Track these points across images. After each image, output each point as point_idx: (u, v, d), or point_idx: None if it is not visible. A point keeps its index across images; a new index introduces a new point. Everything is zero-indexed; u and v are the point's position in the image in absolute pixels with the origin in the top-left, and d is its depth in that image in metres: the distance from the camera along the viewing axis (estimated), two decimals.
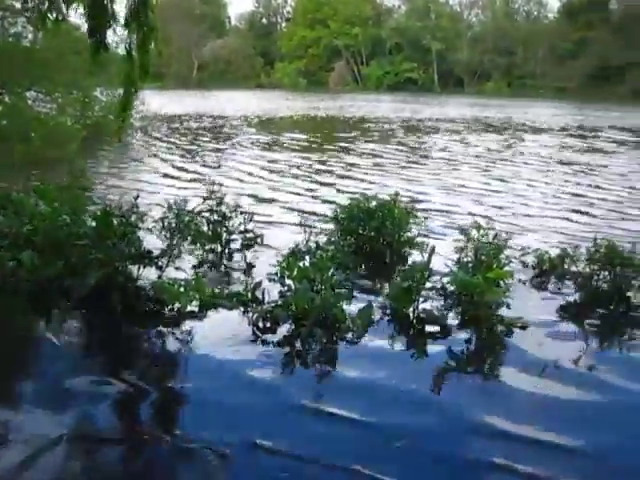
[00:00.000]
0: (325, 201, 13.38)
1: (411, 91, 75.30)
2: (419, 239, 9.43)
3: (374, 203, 9.52)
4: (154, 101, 27.51)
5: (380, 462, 4.54)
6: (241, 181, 15.84)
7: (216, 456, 4.52)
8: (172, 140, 25.42)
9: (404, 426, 5.01)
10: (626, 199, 14.79)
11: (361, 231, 9.37)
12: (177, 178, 16.60)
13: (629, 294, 7.78)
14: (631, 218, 12.64)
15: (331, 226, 9.67)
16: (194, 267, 8.57)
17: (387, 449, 4.72)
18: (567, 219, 12.43)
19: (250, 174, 17.29)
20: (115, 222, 7.58)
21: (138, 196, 8.39)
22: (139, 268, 7.55)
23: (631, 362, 6.42)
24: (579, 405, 5.48)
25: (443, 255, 8.51)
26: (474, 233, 8.55)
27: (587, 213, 13.09)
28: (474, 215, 9.64)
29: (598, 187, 16.34)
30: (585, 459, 4.70)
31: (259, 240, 9.60)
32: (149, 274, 7.59)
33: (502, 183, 16.68)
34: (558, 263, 8.57)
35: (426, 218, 10.53)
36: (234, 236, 9.51)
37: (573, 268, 8.26)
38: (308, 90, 73.84)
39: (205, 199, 9.53)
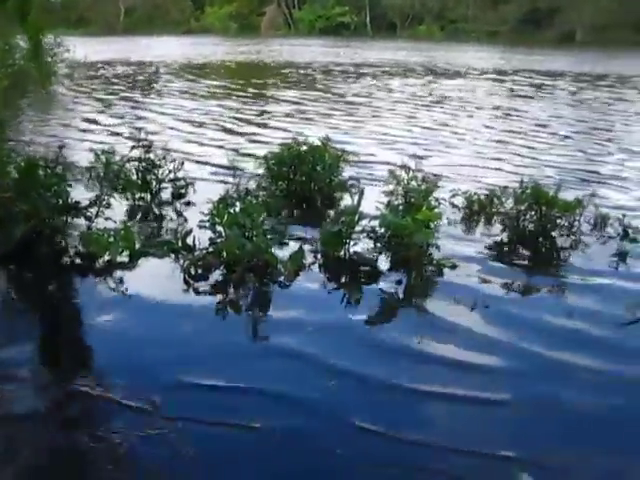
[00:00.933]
0: (243, 149, 13.22)
1: (343, 35, 74.35)
2: (350, 183, 9.48)
3: (304, 148, 9.49)
4: (79, 48, 26.51)
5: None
6: (156, 134, 15.19)
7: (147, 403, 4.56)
8: (92, 89, 24.63)
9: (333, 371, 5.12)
10: (549, 145, 14.99)
11: (292, 176, 9.37)
12: (96, 129, 16.05)
13: (554, 233, 8.04)
14: (552, 164, 12.86)
15: (261, 171, 9.61)
16: (124, 217, 8.43)
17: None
18: (488, 166, 12.50)
19: (166, 124, 16.67)
20: (41, 173, 7.39)
21: (62, 146, 8.16)
22: (67, 220, 7.40)
23: (553, 296, 6.69)
24: (505, 335, 5.69)
25: (374, 199, 8.57)
26: (403, 176, 8.64)
27: (507, 158, 13.20)
28: (401, 161, 9.66)
29: (515, 132, 16.45)
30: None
31: (189, 188, 9.48)
32: (78, 226, 7.45)
33: (424, 129, 16.61)
34: (487, 204, 8.75)
35: (355, 163, 10.54)
36: (164, 184, 9.38)
37: (501, 209, 8.45)
38: (239, 35, 72.11)
39: (133, 148, 9.34)
